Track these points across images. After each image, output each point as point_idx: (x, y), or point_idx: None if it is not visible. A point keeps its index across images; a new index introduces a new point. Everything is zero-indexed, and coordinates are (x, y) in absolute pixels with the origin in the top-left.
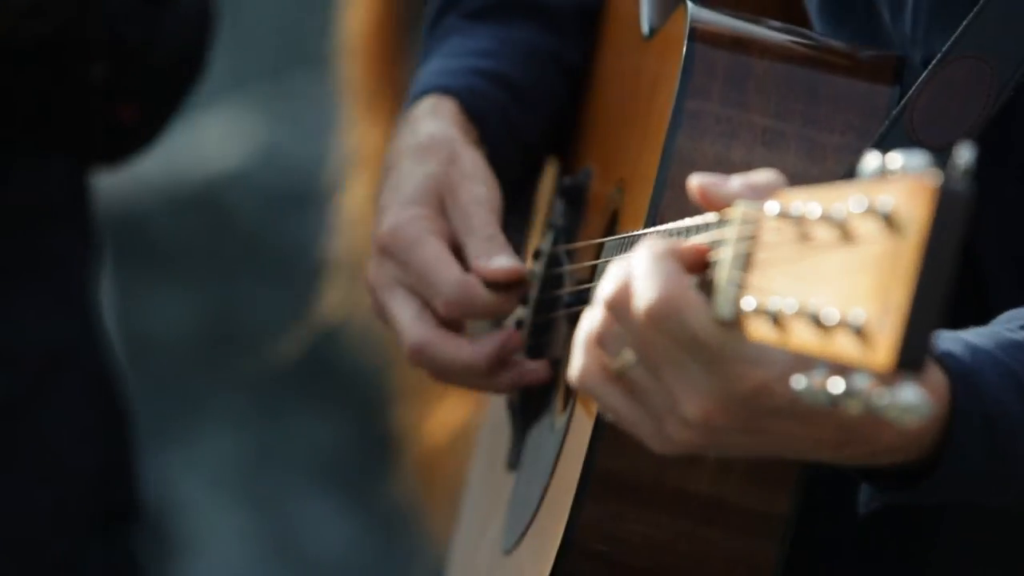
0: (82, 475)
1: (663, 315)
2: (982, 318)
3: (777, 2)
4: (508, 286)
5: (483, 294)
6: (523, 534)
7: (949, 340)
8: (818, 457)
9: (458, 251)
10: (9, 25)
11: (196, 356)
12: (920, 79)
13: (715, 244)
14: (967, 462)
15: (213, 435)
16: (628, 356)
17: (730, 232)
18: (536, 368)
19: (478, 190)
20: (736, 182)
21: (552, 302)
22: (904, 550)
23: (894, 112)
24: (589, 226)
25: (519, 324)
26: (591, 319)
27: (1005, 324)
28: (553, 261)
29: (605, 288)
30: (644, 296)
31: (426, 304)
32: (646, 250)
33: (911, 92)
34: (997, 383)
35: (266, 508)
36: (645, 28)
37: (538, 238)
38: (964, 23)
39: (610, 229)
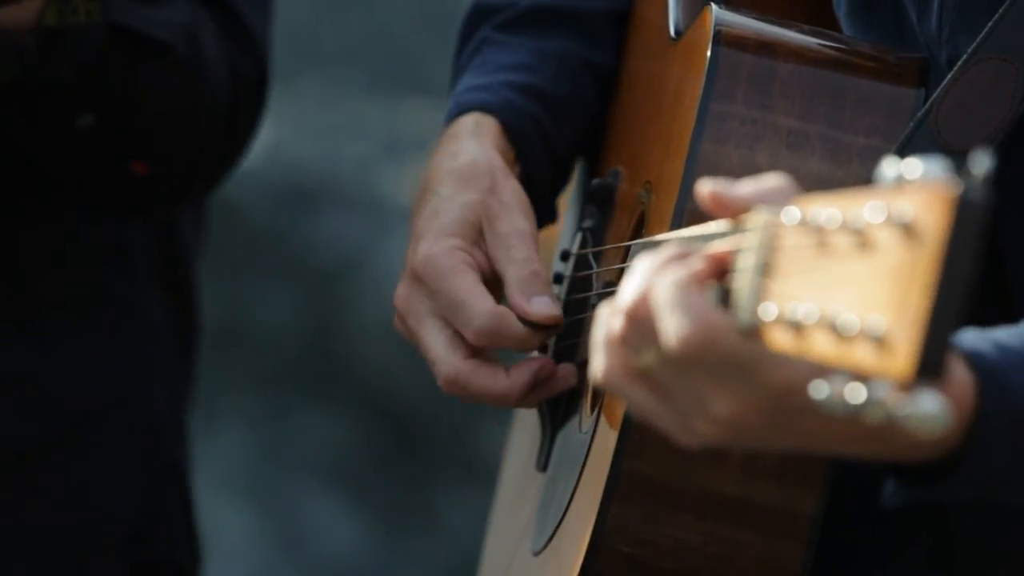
0: (116, 524)
1: (696, 350)
2: (1008, 320)
3: (805, 3)
4: (543, 327)
5: (516, 328)
6: (552, 536)
7: (978, 339)
8: (845, 453)
9: (492, 283)
10: None
11: (204, 354)
12: (945, 81)
13: (736, 251)
14: (992, 460)
15: (221, 433)
16: (652, 355)
17: (750, 240)
18: (564, 376)
19: (518, 223)
20: (747, 188)
21: (580, 304)
22: (930, 554)
23: (919, 114)
24: (617, 228)
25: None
26: (613, 324)
27: None
28: (582, 263)
29: (626, 296)
30: (673, 335)
31: (457, 333)
32: (670, 283)
33: (936, 94)
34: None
35: (274, 506)
36: (672, 30)
37: (567, 239)
38: (989, 24)
39: (637, 231)
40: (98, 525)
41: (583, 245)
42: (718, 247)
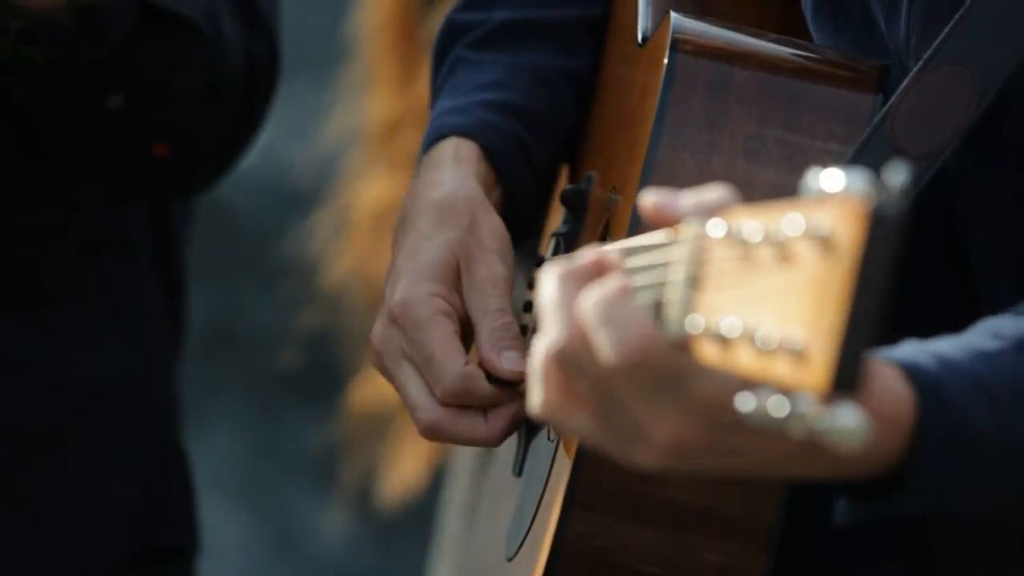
0: (120, 511)
1: (636, 360)
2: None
3: (777, 11)
4: (511, 382)
5: (483, 389)
6: (522, 542)
7: (918, 352)
8: (789, 473)
9: (468, 327)
10: (9, 51)
11: (196, 357)
12: (901, 87)
13: (666, 264)
14: (935, 473)
15: (213, 436)
16: (587, 379)
17: (680, 252)
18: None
19: (495, 268)
20: (686, 199)
21: None
22: (903, 557)
23: (875, 120)
24: (588, 234)
25: (524, 330)
26: (546, 352)
27: (980, 334)
28: None
29: (549, 323)
30: (608, 351)
31: (431, 382)
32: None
33: (892, 99)
34: (965, 394)
35: (267, 508)
36: (639, 36)
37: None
38: (945, 30)
39: (603, 237)
40: (102, 511)
41: (556, 251)
42: (642, 260)
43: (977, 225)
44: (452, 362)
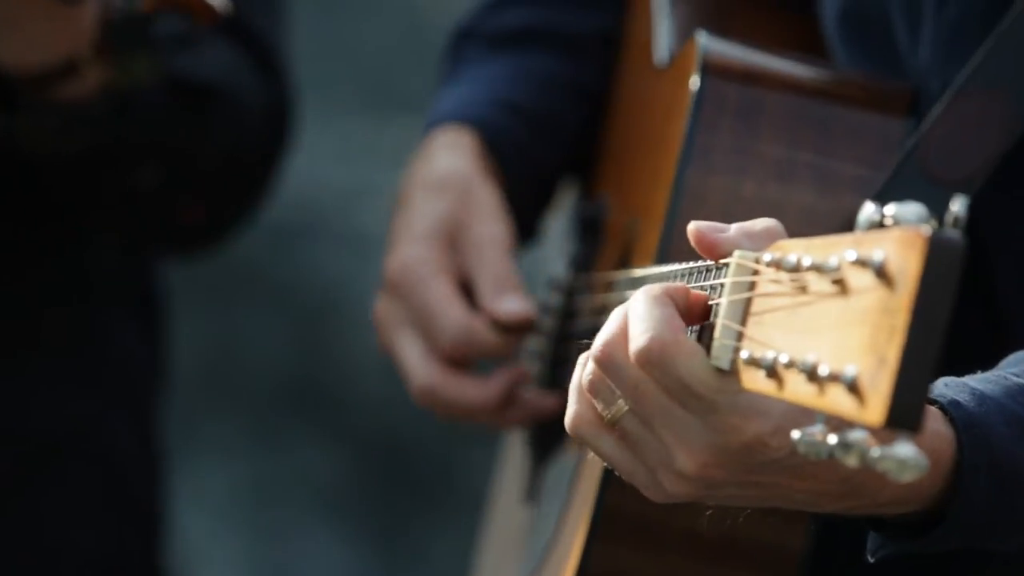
0: (72, 560)
1: (654, 359)
2: (1003, 356)
3: (794, 29)
4: (515, 328)
5: (487, 337)
6: (539, 569)
7: (955, 388)
8: (820, 509)
9: (468, 288)
10: (46, 145)
11: (195, 385)
12: (934, 113)
13: (714, 291)
14: (975, 512)
15: (211, 465)
16: (621, 405)
17: (728, 280)
18: (545, 401)
19: (491, 228)
20: (733, 230)
21: (569, 333)
22: None
23: (908, 146)
24: (606, 256)
25: (538, 355)
26: (585, 368)
27: (1012, 367)
28: (571, 291)
29: (599, 337)
30: (637, 339)
31: (432, 344)
32: (643, 293)
33: (924, 126)
34: (1004, 431)
35: (265, 537)
36: (657, 56)
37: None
38: (977, 57)
39: (624, 261)
40: (58, 558)
41: (571, 273)
42: (698, 286)
43: (1004, 253)
44: (454, 313)
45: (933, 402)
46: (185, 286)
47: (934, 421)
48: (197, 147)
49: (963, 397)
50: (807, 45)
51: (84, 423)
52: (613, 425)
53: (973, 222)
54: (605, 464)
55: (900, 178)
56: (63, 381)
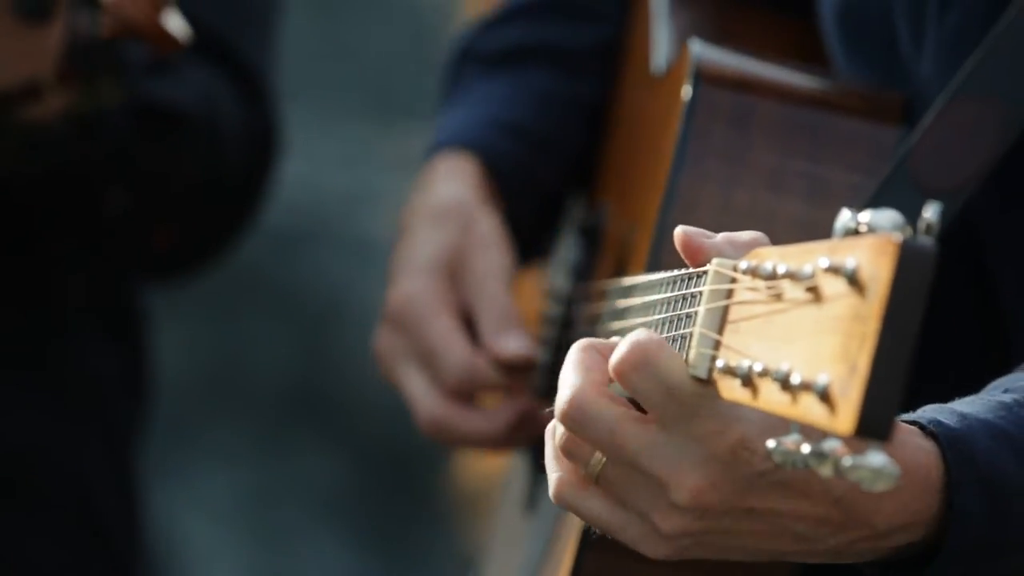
0: None
1: (638, 363)
2: (1008, 371)
3: (794, 36)
4: (516, 367)
5: (489, 375)
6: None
7: (937, 410)
8: (822, 544)
9: (469, 320)
10: (5, 164)
11: (197, 392)
12: (925, 121)
13: (693, 298)
14: (972, 529)
15: (214, 471)
16: (599, 457)
17: (706, 287)
18: (547, 417)
19: (493, 261)
20: (719, 238)
21: (568, 343)
22: None
23: (899, 154)
24: (603, 265)
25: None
26: (555, 434)
27: (991, 391)
28: (570, 300)
29: (560, 398)
30: (618, 352)
31: (437, 379)
32: (573, 348)
33: (915, 134)
34: (990, 445)
35: (267, 543)
36: (654, 65)
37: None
38: (968, 65)
39: (619, 270)
40: None
41: (570, 281)
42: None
43: (1005, 265)
44: (456, 352)
45: (915, 422)
46: (187, 292)
47: (916, 437)
48: (166, 172)
49: (944, 416)
50: (807, 51)
51: (53, 445)
52: (596, 480)
53: (973, 234)
54: (595, 528)
55: (890, 185)
56: (30, 404)
